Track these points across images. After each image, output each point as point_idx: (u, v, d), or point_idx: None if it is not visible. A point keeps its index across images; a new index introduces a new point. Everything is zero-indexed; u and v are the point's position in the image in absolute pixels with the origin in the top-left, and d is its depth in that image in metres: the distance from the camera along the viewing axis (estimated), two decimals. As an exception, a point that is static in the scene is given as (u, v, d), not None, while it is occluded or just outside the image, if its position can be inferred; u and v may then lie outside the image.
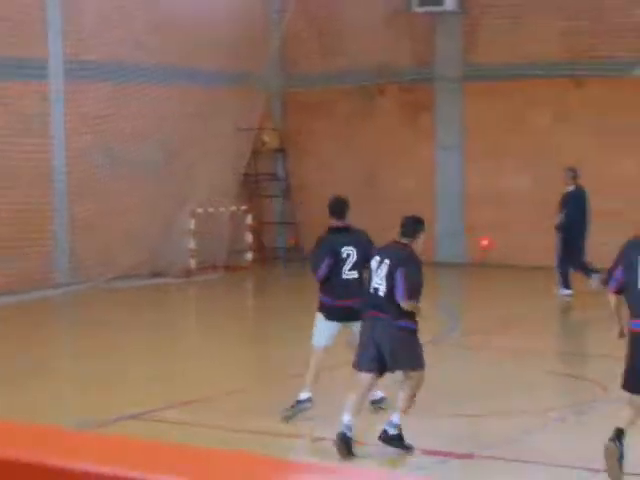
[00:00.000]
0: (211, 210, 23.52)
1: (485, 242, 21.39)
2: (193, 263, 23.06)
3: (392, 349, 9.87)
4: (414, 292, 9.92)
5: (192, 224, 23.10)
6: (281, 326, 18.07)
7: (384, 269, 9.89)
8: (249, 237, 24.37)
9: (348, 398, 9.96)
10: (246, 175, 25.06)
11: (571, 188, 19.16)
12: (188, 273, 22.79)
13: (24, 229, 20.48)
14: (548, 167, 22.35)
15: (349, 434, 9.71)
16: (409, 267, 9.92)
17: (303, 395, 11.14)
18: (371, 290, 10.00)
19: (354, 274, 10.96)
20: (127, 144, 22.23)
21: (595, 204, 19.53)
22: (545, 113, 22.97)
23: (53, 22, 21.20)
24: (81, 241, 21.61)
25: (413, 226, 10.13)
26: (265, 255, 24.95)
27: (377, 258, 10.04)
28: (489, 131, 23.49)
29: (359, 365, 10.13)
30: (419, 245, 10.15)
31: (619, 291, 9.29)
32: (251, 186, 25.29)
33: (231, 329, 18.08)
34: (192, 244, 23.08)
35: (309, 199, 25.03)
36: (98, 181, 21.78)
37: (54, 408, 12.19)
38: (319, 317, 11.30)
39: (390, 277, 9.84)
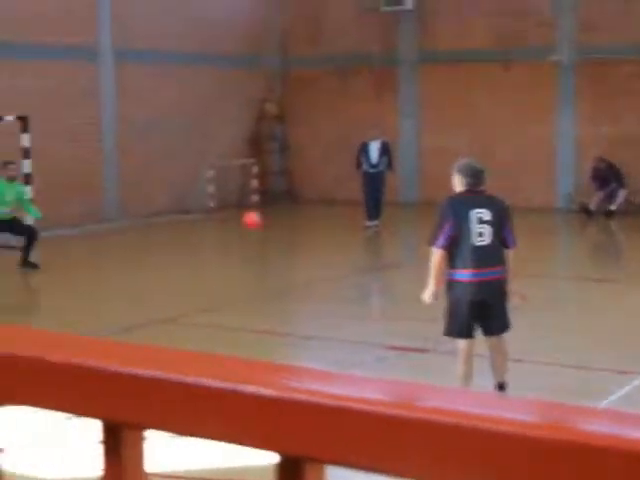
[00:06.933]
0: (226, 163, 23.70)
1: (250, 220, 16.41)
2: (212, 203, 23.21)
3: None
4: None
5: (212, 173, 23.31)
6: (276, 252, 18.25)
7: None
8: (255, 183, 24.44)
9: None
10: (253, 136, 25.14)
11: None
12: (208, 211, 22.95)
13: (85, 176, 20.77)
14: (482, 131, 22.89)
15: None
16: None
17: None
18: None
19: None
20: (161, 113, 22.42)
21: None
22: (479, 90, 23.05)
23: (103, 14, 21.32)
24: (126, 186, 21.85)
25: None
26: (267, 198, 24.88)
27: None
28: (438, 103, 23.63)
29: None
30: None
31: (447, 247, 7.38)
32: (256, 144, 25.26)
33: (240, 254, 18.23)
34: (212, 189, 23.27)
35: (299, 155, 25.33)
36: (138, 140, 22.00)
37: (105, 313, 12.47)
38: None
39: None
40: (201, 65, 23.31)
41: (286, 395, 0.90)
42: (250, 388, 0.88)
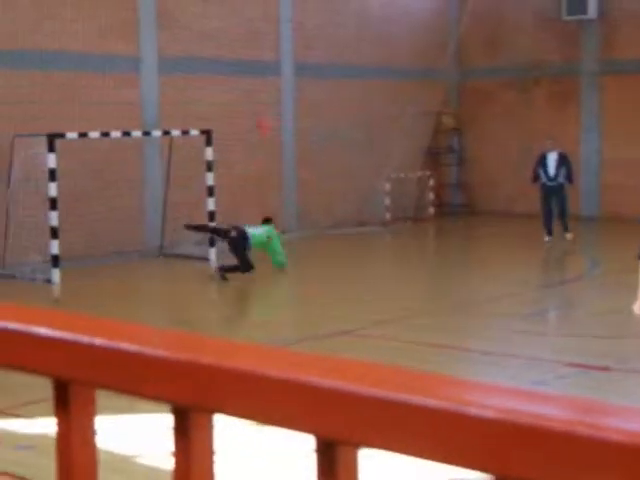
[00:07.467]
0: (402, 175, 23.75)
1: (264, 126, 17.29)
2: (388, 216, 23.30)
3: None
4: None
5: (388, 186, 23.41)
6: (454, 266, 18.15)
7: None
8: (431, 196, 24.44)
9: None
10: (429, 148, 25.15)
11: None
12: (385, 223, 23.04)
13: (265, 188, 21.20)
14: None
15: None
16: None
17: None
18: None
19: None
20: (338, 126, 22.66)
21: None
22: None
23: (284, 29, 21.75)
24: (305, 198, 22.18)
25: None
26: (443, 210, 24.95)
27: None
28: (621, 115, 22.96)
29: None
30: None
31: None
32: (433, 157, 25.31)
33: (417, 267, 18.18)
34: (388, 201, 23.36)
35: (477, 167, 25.14)
36: (316, 153, 22.30)
37: (281, 324, 12.63)
38: None
39: None
40: (378, 78, 23.45)
41: (502, 416, 0.87)
42: (472, 410, 0.86)
